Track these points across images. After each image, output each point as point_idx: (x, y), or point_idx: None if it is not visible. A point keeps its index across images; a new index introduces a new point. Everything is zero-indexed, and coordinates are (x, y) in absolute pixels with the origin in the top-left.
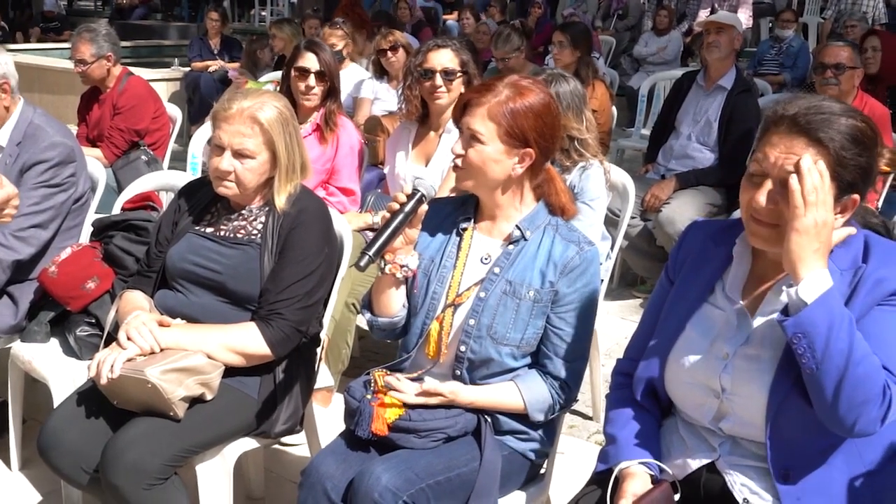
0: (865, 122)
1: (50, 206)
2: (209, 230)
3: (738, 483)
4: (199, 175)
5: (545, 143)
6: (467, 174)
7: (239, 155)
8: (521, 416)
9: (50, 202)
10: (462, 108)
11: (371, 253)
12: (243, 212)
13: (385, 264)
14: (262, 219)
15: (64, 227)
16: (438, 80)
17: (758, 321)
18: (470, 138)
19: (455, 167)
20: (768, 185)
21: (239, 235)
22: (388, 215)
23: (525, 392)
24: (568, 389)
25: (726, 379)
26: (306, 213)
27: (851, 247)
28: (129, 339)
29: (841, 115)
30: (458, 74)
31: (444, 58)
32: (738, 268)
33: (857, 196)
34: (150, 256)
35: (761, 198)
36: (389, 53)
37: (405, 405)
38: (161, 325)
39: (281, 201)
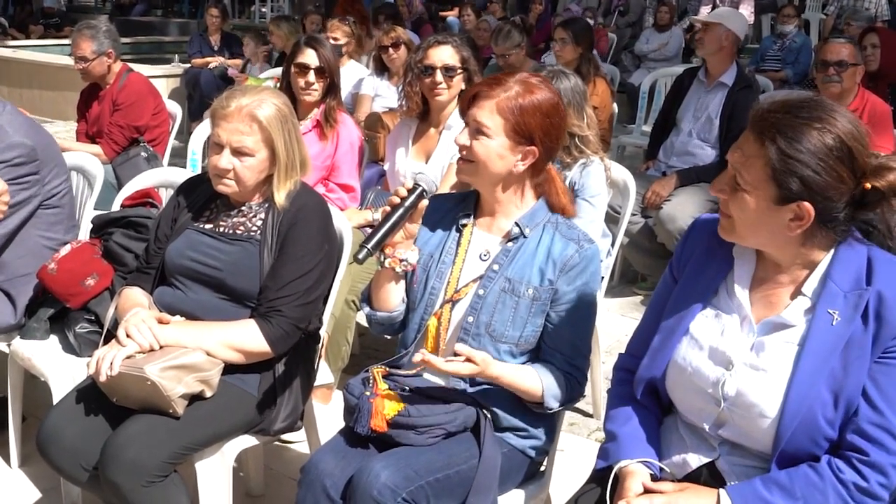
0: (832, 133)
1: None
2: (208, 227)
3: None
4: (199, 172)
5: (550, 142)
6: (470, 167)
7: (238, 153)
8: (522, 413)
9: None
10: (470, 100)
11: (370, 246)
12: (243, 208)
13: (385, 258)
14: (262, 215)
15: (43, 221)
16: (439, 76)
17: (763, 329)
18: (476, 131)
19: (459, 159)
20: (724, 175)
21: (238, 232)
22: (388, 209)
23: (543, 377)
24: (577, 385)
25: (729, 388)
26: (306, 210)
27: (853, 264)
28: (128, 336)
29: (802, 121)
30: (459, 71)
31: (444, 54)
32: (742, 270)
33: (808, 205)
34: (150, 253)
35: (712, 188)
36: (391, 50)
37: (404, 400)
38: (160, 322)
39: (280, 198)
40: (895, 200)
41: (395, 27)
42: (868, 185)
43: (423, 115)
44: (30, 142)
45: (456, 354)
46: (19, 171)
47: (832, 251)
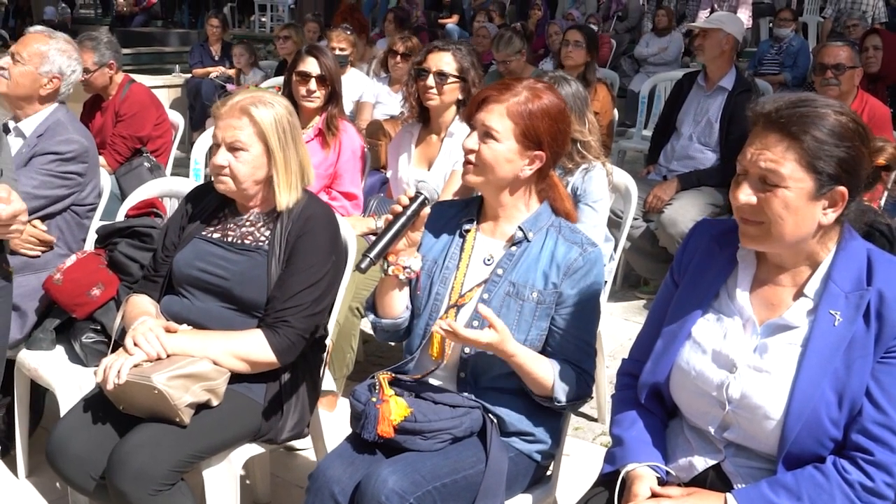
0: (846, 115)
1: (46, 195)
2: (216, 236)
3: (744, 485)
4: (201, 181)
5: (557, 147)
6: (478, 171)
7: (232, 148)
8: (527, 418)
9: (47, 191)
10: (478, 105)
11: (372, 255)
12: (251, 217)
13: (388, 266)
14: (270, 225)
15: (69, 236)
16: (431, 80)
17: (765, 331)
18: (484, 135)
19: (466, 163)
20: (747, 181)
21: (246, 242)
22: (391, 217)
23: (555, 368)
24: (585, 384)
25: (733, 391)
26: (314, 221)
27: (854, 264)
28: (135, 344)
29: (818, 108)
30: (453, 80)
31: (442, 60)
32: (744, 273)
33: (843, 189)
34: (157, 261)
35: (741, 195)
36: (399, 58)
37: (410, 405)
38: (168, 330)
39: (283, 201)
40: (885, 174)
41: (412, 37)
42: (882, 162)
43: (425, 121)
44: (86, 142)
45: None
46: (68, 166)
47: (833, 251)
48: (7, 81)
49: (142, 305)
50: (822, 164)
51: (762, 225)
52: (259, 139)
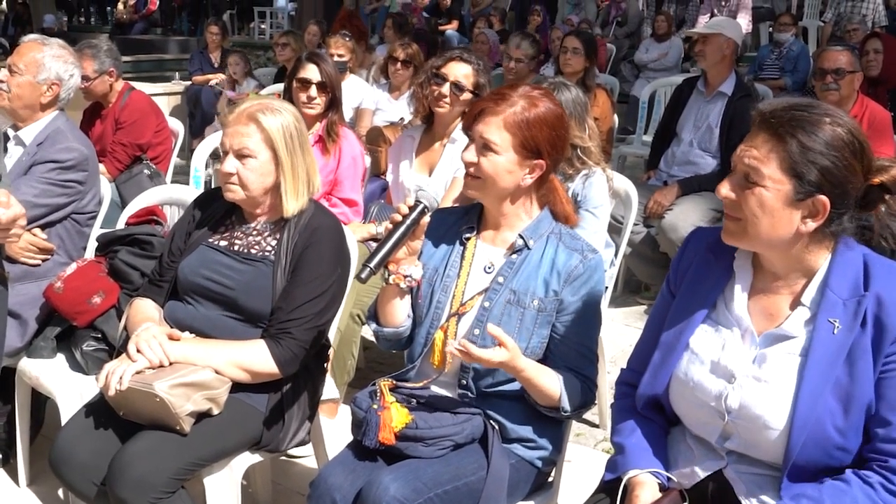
0: (842, 126)
1: (46, 204)
2: (223, 244)
3: (746, 491)
4: (202, 188)
5: (556, 154)
6: (478, 183)
7: (240, 156)
8: (529, 424)
9: (48, 199)
10: (475, 117)
11: (372, 265)
12: (258, 226)
13: (389, 275)
14: (277, 235)
15: (69, 244)
16: (446, 88)
17: (764, 342)
18: (483, 147)
19: (466, 175)
20: (732, 176)
21: (253, 251)
22: (390, 226)
23: (561, 379)
24: (588, 391)
25: (732, 401)
26: (321, 232)
27: (850, 271)
28: (138, 351)
29: (813, 115)
30: (467, 93)
31: (461, 71)
32: (741, 283)
33: (824, 198)
34: (163, 266)
35: (722, 189)
36: (399, 65)
37: (411, 412)
38: (171, 338)
39: (290, 207)
40: (891, 199)
41: (412, 43)
42: (877, 181)
43: (428, 126)
44: (86, 150)
45: (462, 349)
46: (68, 174)
47: (829, 259)
48: (8, 95)
49: (145, 311)
50: (803, 169)
51: (739, 221)
52: (267, 146)
